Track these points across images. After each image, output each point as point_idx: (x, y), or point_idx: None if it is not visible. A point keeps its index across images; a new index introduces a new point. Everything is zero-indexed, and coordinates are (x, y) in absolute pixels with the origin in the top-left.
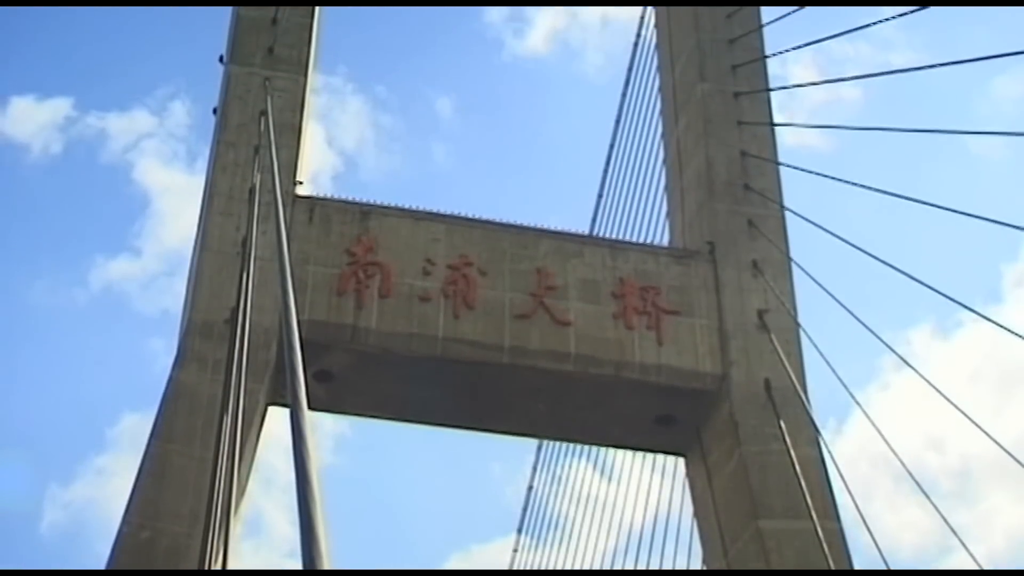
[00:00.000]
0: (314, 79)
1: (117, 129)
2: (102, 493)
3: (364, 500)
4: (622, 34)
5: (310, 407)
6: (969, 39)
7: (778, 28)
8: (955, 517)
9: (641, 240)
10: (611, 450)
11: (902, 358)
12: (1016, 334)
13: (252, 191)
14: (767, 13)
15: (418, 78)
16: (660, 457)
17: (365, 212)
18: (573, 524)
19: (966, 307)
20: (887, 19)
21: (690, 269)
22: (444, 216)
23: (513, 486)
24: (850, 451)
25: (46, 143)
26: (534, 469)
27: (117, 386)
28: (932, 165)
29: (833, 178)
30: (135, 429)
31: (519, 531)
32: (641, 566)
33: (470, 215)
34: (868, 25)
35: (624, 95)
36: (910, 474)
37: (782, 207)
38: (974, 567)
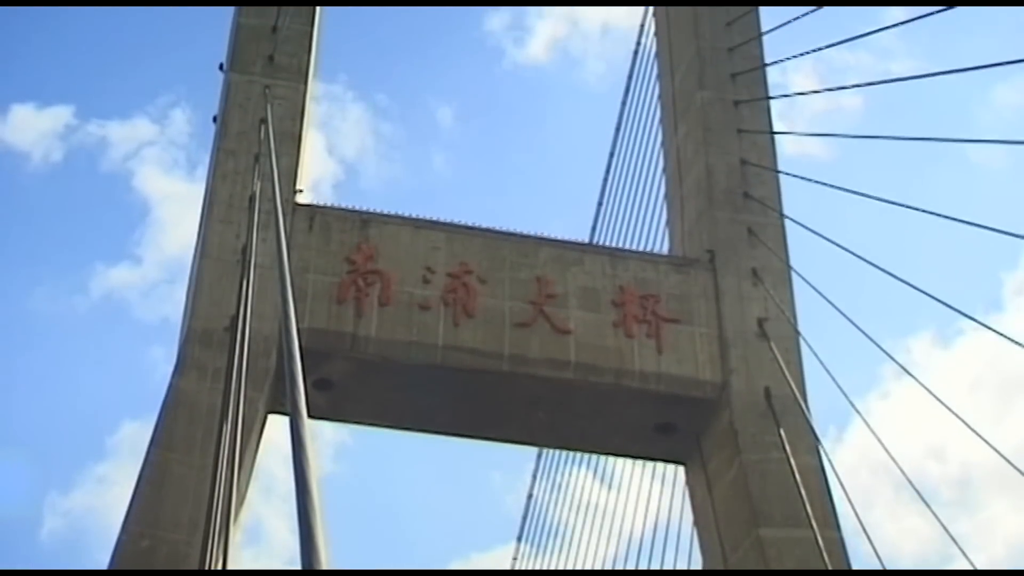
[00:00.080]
0: (314, 87)
1: (118, 137)
2: (102, 501)
3: (364, 508)
4: (622, 42)
5: (310, 415)
6: (969, 48)
7: (778, 36)
8: (956, 526)
9: (641, 248)
10: (611, 458)
11: (902, 367)
12: (1017, 343)
13: (252, 199)
14: (768, 19)
15: (418, 86)
16: (660, 465)
17: (365, 220)
18: (573, 532)
19: (966, 315)
20: (887, 27)
21: (690, 277)
22: (444, 224)
23: (513, 494)
24: (851, 459)
25: (47, 151)
26: (534, 477)
27: (117, 394)
28: (932, 173)
29: (833, 186)
30: (135, 437)
31: (519, 539)
32: None
33: (470, 223)
34: (868, 33)
35: (624, 103)
36: (910, 482)
37: (782, 215)
38: None
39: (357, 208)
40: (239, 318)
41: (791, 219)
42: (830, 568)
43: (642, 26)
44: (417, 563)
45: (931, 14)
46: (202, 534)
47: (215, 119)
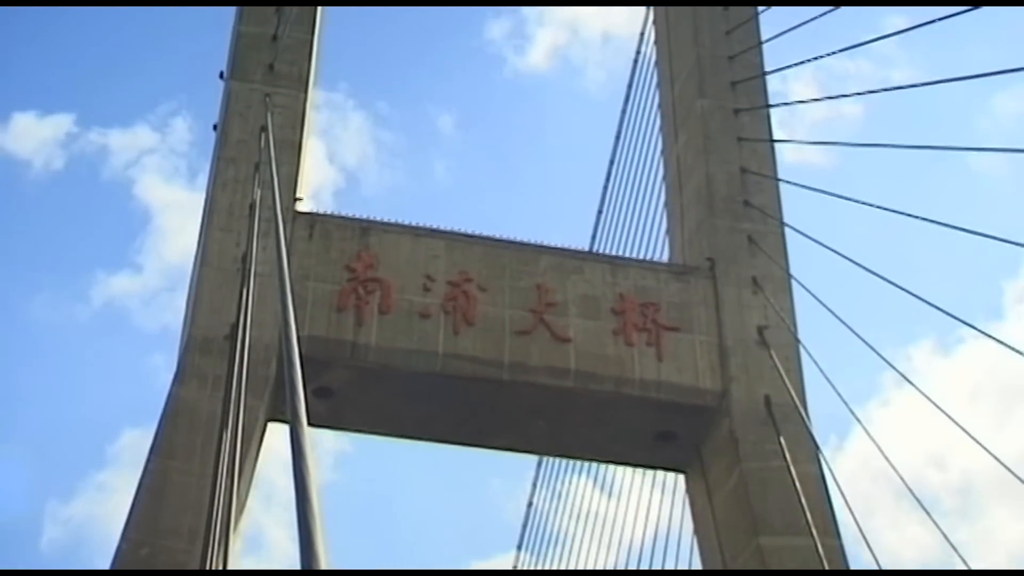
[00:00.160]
0: (315, 95)
1: (119, 145)
2: (102, 509)
3: (364, 517)
4: (622, 51)
5: (310, 423)
6: (969, 56)
7: (778, 45)
8: (956, 534)
9: (641, 256)
10: (611, 466)
11: (902, 375)
12: (1017, 351)
13: (252, 207)
14: (768, 28)
15: (419, 94)
16: (660, 474)
17: (365, 228)
18: (573, 541)
19: (967, 324)
20: (887, 35)
21: (690, 285)
22: (444, 232)
23: (513, 502)
24: (851, 468)
25: (48, 159)
26: (534, 485)
27: (118, 402)
28: (933, 181)
29: (833, 194)
30: (136, 445)
31: (519, 548)
32: None
33: (470, 231)
34: (868, 42)
35: (624, 111)
36: (911, 491)
37: (782, 223)
38: None
39: (357, 216)
40: (239, 326)
41: (791, 227)
42: None
43: (642, 34)
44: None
45: (931, 22)
46: (202, 542)
47: (215, 127)
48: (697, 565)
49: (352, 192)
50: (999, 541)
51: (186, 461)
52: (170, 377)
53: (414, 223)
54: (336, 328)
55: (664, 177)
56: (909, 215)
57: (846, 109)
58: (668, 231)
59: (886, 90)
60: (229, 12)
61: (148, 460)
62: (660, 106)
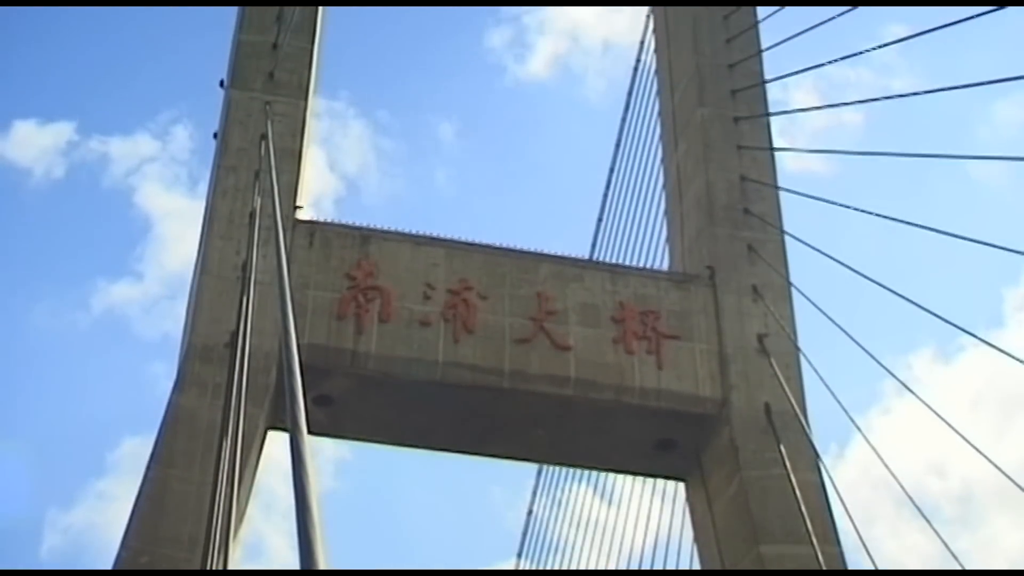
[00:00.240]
0: (315, 104)
1: (119, 153)
2: (102, 517)
3: (364, 525)
4: (622, 59)
5: (310, 431)
6: (969, 64)
7: (778, 53)
8: (957, 542)
9: (641, 264)
10: (611, 475)
11: (903, 383)
12: (1017, 359)
13: (252, 215)
14: (768, 36)
15: (420, 103)
16: (660, 482)
17: (365, 236)
18: (573, 549)
19: (967, 332)
20: (888, 44)
21: (690, 294)
22: (444, 240)
23: (514, 510)
24: (851, 476)
25: (48, 167)
26: (534, 493)
27: (118, 410)
28: (933, 189)
29: (833, 203)
30: (136, 453)
31: (519, 556)
32: None
33: (470, 239)
34: (869, 50)
35: (624, 120)
36: (911, 499)
37: (782, 232)
38: None
39: (357, 224)
40: (239, 334)
41: (791, 235)
42: None
43: (642, 43)
44: None
45: (932, 30)
46: (202, 550)
47: (215, 135)
48: None
49: (353, 200)
50: (1000, 549)
51: (186, 469)
52: (170, 385)
53: (414, 231)
54: (336, 336)
55: (664, 185)
56: (909, 223)
57: (846, 117)
58: (668, 239)
59: (886, 98)
60: (230, 21)
61: (148, 468)
62: (660, 114)
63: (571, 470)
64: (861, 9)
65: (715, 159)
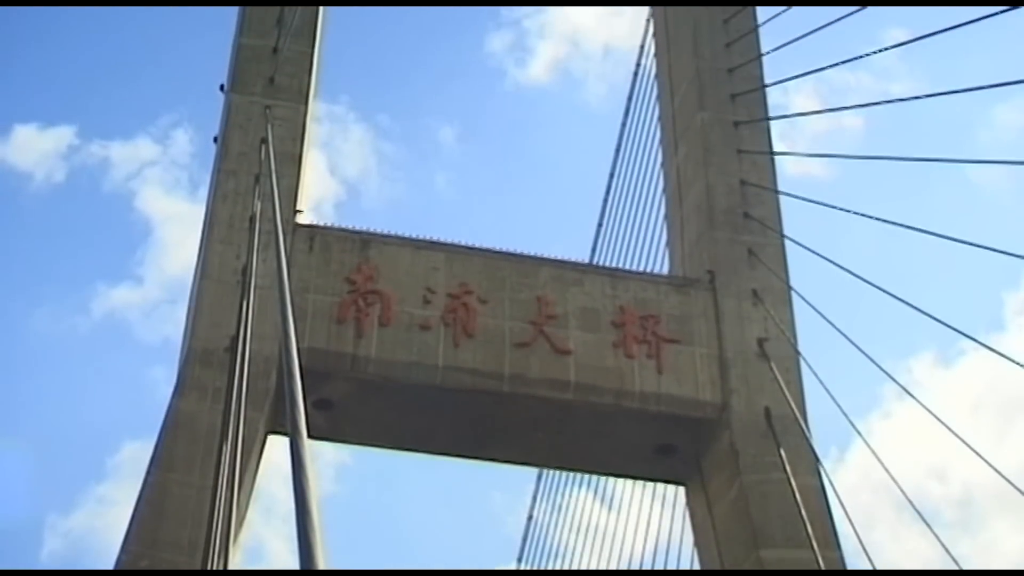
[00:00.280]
0: (315, 108)
1: (120, 157)
2: (102, 522)
3: (365, 529)
4: (623, 63)
5: (310, 436)
6: (970, 68)
7: (778, 57)
8: (957, 547)
9: (641, 269)
10: (611, 479)
11: (903, 387)
12: (1018, 363)
13: (252, 219)
14: (768, 40)
15: (420, 107)
16: (660, 486)
17: (365, 241)
18: (573, 553)
19: (967, 336)
20: (888, 48)
21: (690, 298)
22: (444, 244)
23: (514, 515)
24: (852, 480)
25: (49, 171)
26: (534, 498)
27: (118, 414)
28: (933, 193)
29: (833, 207)
30: (136, 457)
31: (519, 560)
32: None
33: (470, 243)
34: (869, 54)
35: (624, 124)
36: (911, 503)
37: (782, 235)
38: None
39: (357, 228)
40: (239, 338)
41: (791, 239)
42: None
43: (642, 47)
44: None
45: (932, 35)
46: (202, 554)
47: (216, 139)
48: None
49: (353, 204)
50: (1000, 553)
51: (186, 473)
52: (170, 389)
53: (414, 235)
54: (336, 340)
55: (664, 189)
56: (909, 227)
57: (847, 121)
58: (668, 243)
59: (887, 102)
60: (230, 24)
61: (148, 472)
62: (660, 118)
63: (571, 474)
64: (861, 13)
65: (715, 163)
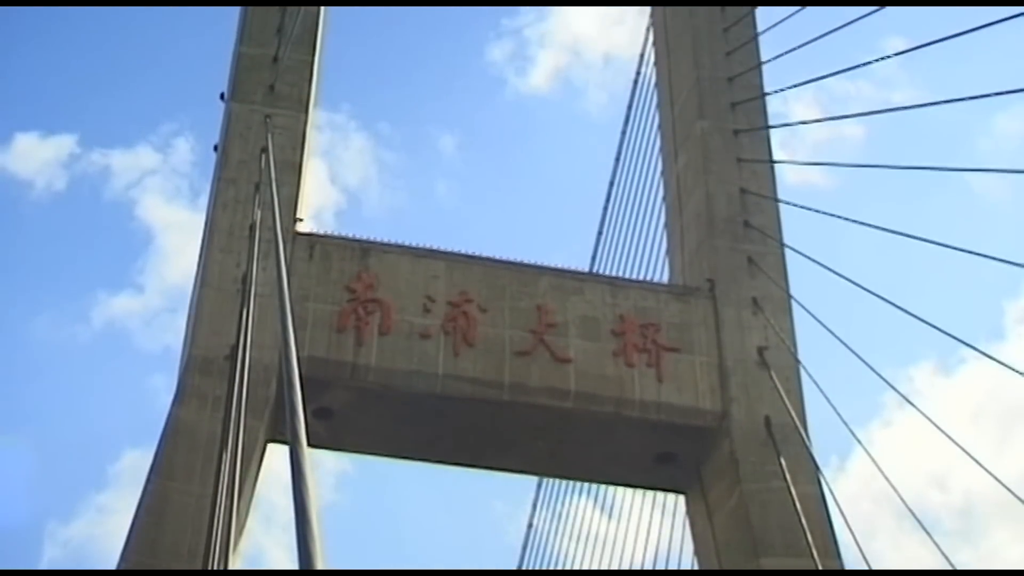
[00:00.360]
0: (315, 116)
1: (121, 166)
2: (102, 530)
3: (365, 538)
4: (623, 72)
5: (310, 444)
6: (970, 77)
7: (778, 66)
8: (958, 556)
9: (641, 277)
10: (612, 488)
11: (904, 396)
12: (1018, 372)
13: (252, 228)
14: (768, 48)
15: (421, 116)
16: (661, 495)
17: (365, 249)
18: (573, 562)
19: (968, 344)
20: (888, 56)
21: (690, 306)
22: (444, 253)
23: (514, 523)
24: (852, 489)
25: (50, 180)
26: (534, 506)
27: (118, 423)
28: (934, 202)
29: (832, 215)
30: (136, 466)
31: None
32: None
33: (471, 252)
34: (869, 63)
35: (624, 133)
36: (912, 512)
37: (782, 244)
38: None
39: (357, 237)
40: (239, 347)
41: (791, 248)
42: None
43: (642, 56)
44: None
45: (932, 43)
46: (201, 563)
47: (216, 148)
48: None
49: (354, 213)
50: (1001, 562)
51: (186, 482)
52: (170, 398)
53: (414, 244)
54: (336, 349)
55: (664, 198)
56: (910, 236)
57: (847, 130)
58: (668, 252)
59: (887, 111)
60: (230, 33)
61: (148, 480)
62: (660, 127)
63: (571, 483)
64: (861, 22)
65: (715, 172)
